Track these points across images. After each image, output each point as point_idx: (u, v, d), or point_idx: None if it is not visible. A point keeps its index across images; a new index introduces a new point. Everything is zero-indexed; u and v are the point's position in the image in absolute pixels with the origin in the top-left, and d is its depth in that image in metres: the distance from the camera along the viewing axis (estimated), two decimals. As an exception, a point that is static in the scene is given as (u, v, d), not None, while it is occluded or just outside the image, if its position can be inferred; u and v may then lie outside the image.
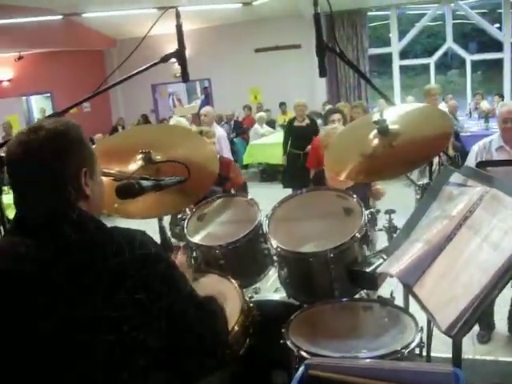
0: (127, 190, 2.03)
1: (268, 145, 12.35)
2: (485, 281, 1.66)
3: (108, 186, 2.40)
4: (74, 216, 1.52)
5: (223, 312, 1.85)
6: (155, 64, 2.59)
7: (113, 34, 16.17)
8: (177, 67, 2.60)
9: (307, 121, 8.92)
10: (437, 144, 2.42)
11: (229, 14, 14.13)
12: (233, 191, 4.94)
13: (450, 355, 2.18)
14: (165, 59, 2.56)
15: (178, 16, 2.55)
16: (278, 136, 12.50)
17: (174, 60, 2.61)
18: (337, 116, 5.25)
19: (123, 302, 1.46)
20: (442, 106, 9.02)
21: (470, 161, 4.21)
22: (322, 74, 2.33)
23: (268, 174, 12.86)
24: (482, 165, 2.47)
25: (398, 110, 2.71)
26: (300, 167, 8.75)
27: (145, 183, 2.09)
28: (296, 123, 8.96)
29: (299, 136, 8.77)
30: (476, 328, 4.49)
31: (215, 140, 5.18)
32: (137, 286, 1.48)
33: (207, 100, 17.24)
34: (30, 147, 1.51)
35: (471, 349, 4.27)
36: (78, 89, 10.94)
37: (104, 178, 2.46)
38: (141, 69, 2.61)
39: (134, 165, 2.63)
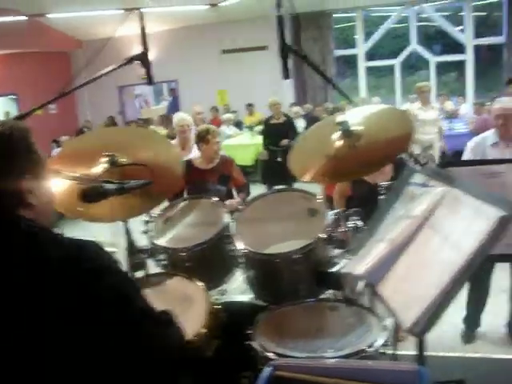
0: (91, 193, 2.01)
1: (236, 146, 12.33)
2: (446, 279, 1.69)
3: (72, 190, 2.39)
4: (22, 226, 1.45)
5: (177, 323, 1.77)
6: (119, 66, 2.58)
7: (79, 36, 15.97)
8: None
9: (283, 118, 9.25)
10: (399, 144, 2.45)
11: (195, 16, 14.08)
12: (234, 191, 4.96)
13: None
14: (129, 61, 2.54)
15: (141, 18, 2.54)
16: (245, 137, 12.51)
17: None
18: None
19: (74, 315, 1.41)
20: (436, 105, 9.17)
21: (466, 157, 4.29)
22: (286, 75, 2.34)
23: (236, 175, 12.84)
24: (445, 165, 2.50)
25: (360, 112, 2.73)
26: (278, 163, 8.99)
27: (108, 186, 2.06)
28: (273, 121, 9.25)
29: (276, 133, 9.11)
30: (444, 326, 4.55)
31: (219, 140, 5.08)
32: (89, 298, 1.43)
33: (174, 102, 17.15)
34: None
35: (437, 346, 4.33)
36: (44, 91, 10.75)
37: (68, 182, 2.47)
38: (105, 71, 2.60)
39: (99, 168, 2.62)
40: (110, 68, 2.58)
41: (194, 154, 5.26)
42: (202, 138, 4.72)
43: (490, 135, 4.25)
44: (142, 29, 2.52)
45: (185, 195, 4.62)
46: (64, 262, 1.44)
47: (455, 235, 1.78)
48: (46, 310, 1.40)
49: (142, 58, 2.49)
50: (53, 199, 1.65)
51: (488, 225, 1.68)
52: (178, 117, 6.05)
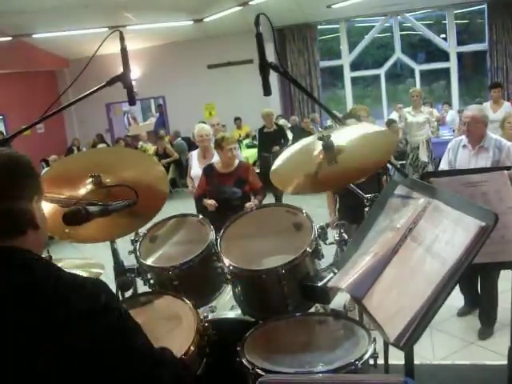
0: (74, 216, 2.00)
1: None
2: (429, 291, 1.70)
3: (57, 212, 2.38)
4: (25, 255, 1.44)
5: (176, 361, 1.79)
6: (101, 87, 2.58)
7: (65, 54, 16.00)
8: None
9: (275, 127, 10.06)
10: (380, 158, 2.45)
11: (181, 32, 14.16)
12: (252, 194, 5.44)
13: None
14: (110, 82, 2.54)
15: (122, 39, 2.53)
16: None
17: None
18: (352, 121, 5.40)
19: (68, 357, 1.37)
20: (425, 110, 9.68)
21: (445, 156, 5.00)
22: (267, 92, 2.33)
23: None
24: (426, 176, 2.53)
25: (345, 132, 2.72)
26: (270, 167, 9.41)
27: (92, 209, 2.07)
28: (266, 130, 10.06)
29: (269, 140, 9.86)
30: (436, 334, 4.58)
31: (236, 145, 5.56)
32: (84, 340, 1.39)
33: (162, 118, 17.19)
34: None
35: (430, 354, 4.34)
36: (31, 110, 10.77)
37: (52, 204, 2.46)
38: (88, 92, 2.59)
39: (84, 189, 2.61)
40: (93, 89, 2.58)
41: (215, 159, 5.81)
42: (219, 145, 5.38)
43: (464, 138, 4.87)
44: (123, 49, 2.52)
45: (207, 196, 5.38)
46: (57, 302, 1.40)
47: (437, 246, 1.79)
48: (35, 353, 1.36)
49: (123, 78, 2.49)
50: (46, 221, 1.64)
51: (468, 235, 1.70)
52: (198, 127, 6.54)
